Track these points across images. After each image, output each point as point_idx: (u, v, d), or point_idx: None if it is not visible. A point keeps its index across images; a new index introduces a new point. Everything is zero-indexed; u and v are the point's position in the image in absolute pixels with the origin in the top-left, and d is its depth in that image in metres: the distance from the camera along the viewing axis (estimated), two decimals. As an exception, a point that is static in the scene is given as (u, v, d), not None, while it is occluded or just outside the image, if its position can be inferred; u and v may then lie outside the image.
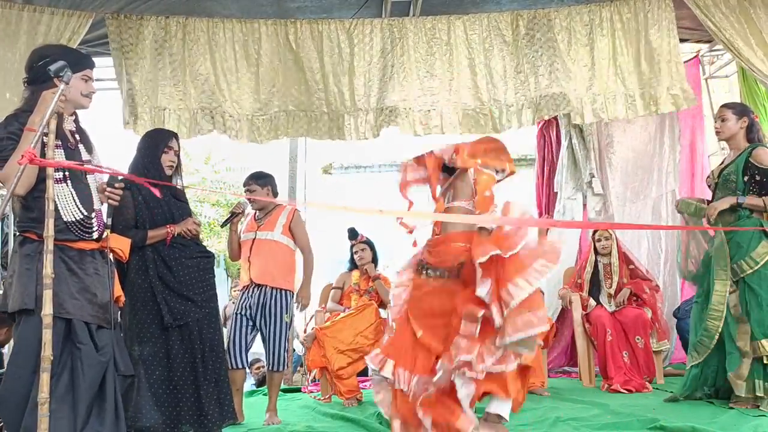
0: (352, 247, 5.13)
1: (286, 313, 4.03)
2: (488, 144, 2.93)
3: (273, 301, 4.01)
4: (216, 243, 11.68)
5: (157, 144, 3.50)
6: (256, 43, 4.87)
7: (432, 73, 4.89)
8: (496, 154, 2.88)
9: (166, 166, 3.47)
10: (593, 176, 6.26)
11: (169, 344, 3.28)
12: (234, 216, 4.15)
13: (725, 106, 3.95)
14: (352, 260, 5.15)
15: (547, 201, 6.58)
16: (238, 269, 6.47)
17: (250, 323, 4.04)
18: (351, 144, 5.36)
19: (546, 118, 5.08)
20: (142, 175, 3.30)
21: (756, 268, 3.66)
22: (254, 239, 4.12)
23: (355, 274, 5.10)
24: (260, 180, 4.22)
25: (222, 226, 4.09)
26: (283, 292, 4.06)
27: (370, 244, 5.10)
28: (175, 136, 3.61)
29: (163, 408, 3.19)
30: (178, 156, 3.56)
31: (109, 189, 2.66)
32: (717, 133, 3.92)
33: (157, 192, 2.83)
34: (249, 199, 4.22)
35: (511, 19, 4.92)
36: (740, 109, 3.88)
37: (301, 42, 4.89)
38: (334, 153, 9.94)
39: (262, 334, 4.04)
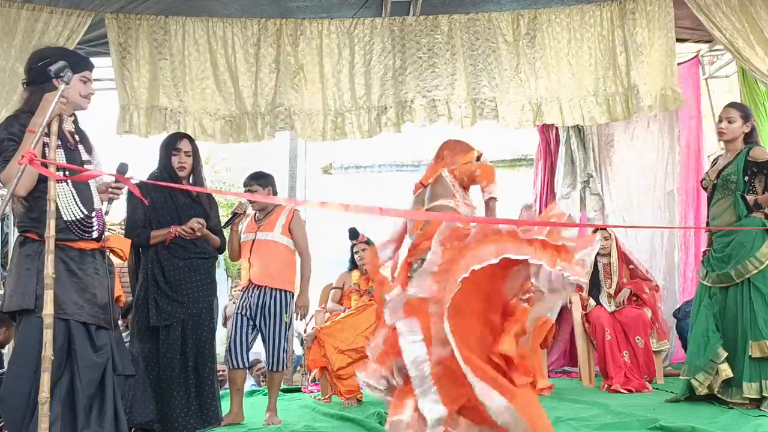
0: (352, 247, 5.13)
1: (286, 314, 4.03)
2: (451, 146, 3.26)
3: (273, 302, 4.01)
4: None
5: (166, 147, 3.61)
6: (256, 42, 4.87)
7: (432, 73, 4.89)
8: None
9: (177, 167, 3.56)
10: (591, 176, 6.26)
11: (158, 344, 3.39)
12: (236, 216, 4.17)
13: (732, 107, 3.90)
14: (352, 260, 5.15)
15: (546, 201, 6.58)
16: (239, 269, 6.47)
17: (251, 323, 4.04)
18: (351, 144, 5.36)
19: (546, 122, 5.08)
20: (157, 179, 3.42)
21: (761, 267, 3.66)
22: (254, 240, 4.12)
23: (355, 274, 5.10)
24: (261, 180, 4.22)
25: (224, 227, 4.10)
26: (283, 292, 4.05)
27: (370, 244, 5.09)
28: (185, 137, 3.69)
29: (159, 406, 3.30)
30: (193, 156, 3.63)
31: (112, 186, 2.67)
32: (721, 133, 3.87)
33: (145, 200, 2.89)
34: (249, 200, 4.24)
35: (512, 19, 4.92)
36: (747, 113, 3.87)
37: (302, 41, 4.88)
38: (334, 153, 9.94)
39: (261, 334, 4.04)
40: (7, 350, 4.43)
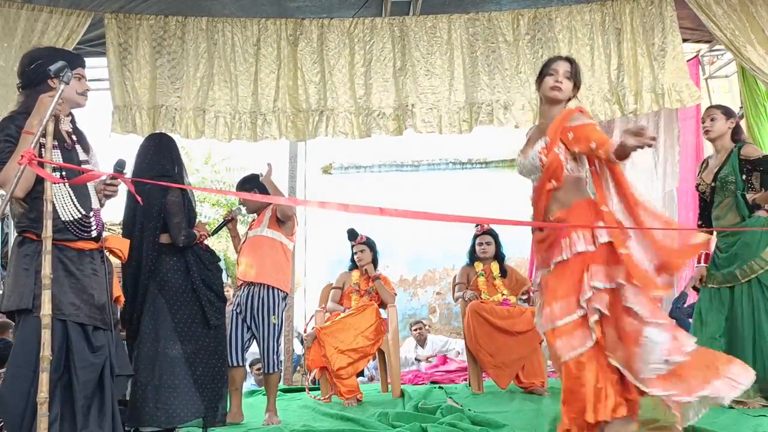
0: (352, 247, 5.12)
1: (274, 314, 3.98)
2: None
3: (260, 300, 3.98)
4: (215, 243, 11.69)
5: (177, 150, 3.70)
6: (256, 42, 4.87)
7: (433, 72, 4.89)
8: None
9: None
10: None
11: (208, 341, 3.52)
12: (225, 223, 4.21)
13: (712, 107, 4.04)
14: (352, 260, 5.14)
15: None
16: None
17: (246, 322, 4.04)
18: (351, 144, 5.36)
19: None
20: (180, 178, 3.53)
21: (767, 267, 3.68)
22: (245, 239, 4.16)
23: (355, 274, 5.09)
24: (245, 186, 4.28)
25: (213, 234, 4.12)
26: (269, 289, 4.00)
27: (370, 245, 5.09)
28: None
29: (206, 402, 3.43)
30: None
31: (107, 183, 2.66)
32: (706, 132, 3.94)
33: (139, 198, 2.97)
34: (243, 205, 4.28)
35: (512, 19, 4.92)
36: (727, 110, 3.95)
37: (301, 41, 4.89)
38: (334, 153, 9.93)
39: (254, 336, 4.03)
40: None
